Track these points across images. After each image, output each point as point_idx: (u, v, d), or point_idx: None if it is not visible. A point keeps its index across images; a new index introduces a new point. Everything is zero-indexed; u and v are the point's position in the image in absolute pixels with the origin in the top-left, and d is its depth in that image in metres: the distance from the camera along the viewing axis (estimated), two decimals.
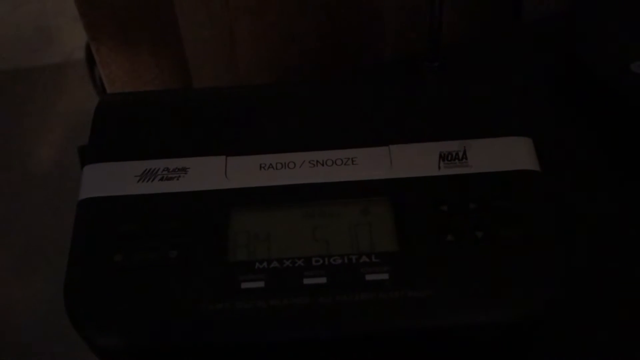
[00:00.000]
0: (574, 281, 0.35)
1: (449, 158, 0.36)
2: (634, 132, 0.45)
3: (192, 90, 0.50)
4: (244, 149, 0.37)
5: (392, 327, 0.32)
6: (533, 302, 0.32)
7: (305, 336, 0.32)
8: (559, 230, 0.34)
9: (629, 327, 0.38)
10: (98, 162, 0.36)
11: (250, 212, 0.35)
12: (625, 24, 0.49)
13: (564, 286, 0.32)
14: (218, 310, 0.31)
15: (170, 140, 0.37)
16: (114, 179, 0.36)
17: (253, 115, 0.38)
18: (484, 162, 0.36)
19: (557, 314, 0.34)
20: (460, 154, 0.36)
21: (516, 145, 0.36)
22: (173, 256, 0.33)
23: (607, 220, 0.43)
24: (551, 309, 0.32)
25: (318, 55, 0.53)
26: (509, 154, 0.36)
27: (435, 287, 0.32)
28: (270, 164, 0.36)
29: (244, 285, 0.32)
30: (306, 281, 0.32)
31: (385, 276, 0.32)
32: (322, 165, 0.36)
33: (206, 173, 0.36)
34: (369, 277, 0.32)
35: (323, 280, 0.32)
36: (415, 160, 0.36)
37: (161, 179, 0.36)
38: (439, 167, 0.36)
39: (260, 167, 0.36)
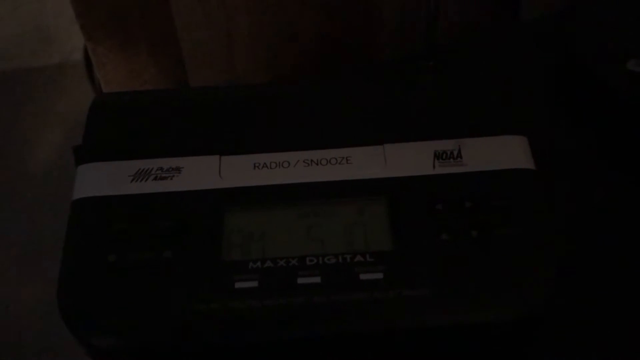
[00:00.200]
0: (569, 281, 0.34)
1: (444, 157, 0.36)
2: (631, 130, 0.45)
3: (185, 90, 0.49)
4: (237, 148, 0.37)
5: (387, 326, 0.32)
6: (528, 301, 0.32)
7: (299, 336, 0.32)
8: (555, 229, 0.33)
9: (629, 327, 0.38)
10: (92, 161, 0.36)
11: (245, 212, 0.35)
12: (623, 23, 0.49)
13: (558, 285, 0.32)
14: (212, 310, 0.31)
15: (163, 140, 0.37)
16: (107, 179, 0.36)
17: (247, 114, 0.38)
18: (479, 160, 0.36)
19: (556, 314, 0.34)
20: (455, 153, 0.36)
21: (511, 143, 0.36)
22: (167, 256, 0.33)
23: (605, 219, 0.42)
24: (547, 308, 0.32)
25: (317, 55, 0.53)
26: (504, 152, 0.36)
27: (430, 287, 0.32)
28: (265, 163, 0.36)
29: (238, 285, 0.32)
30: (300, 281, 0.32)
31: (379, 275, 0.32)
32: (317, 164, 0.36)
33: (200, 173, 0.36)
34: (363, 277, 0.32)
35: (317, 279, 0.32)
36: (410, 159, 0.36)
37: (155, 179, 0.36)
38: (434, 166, 0.36)
39: (255, 166, 0.36)
